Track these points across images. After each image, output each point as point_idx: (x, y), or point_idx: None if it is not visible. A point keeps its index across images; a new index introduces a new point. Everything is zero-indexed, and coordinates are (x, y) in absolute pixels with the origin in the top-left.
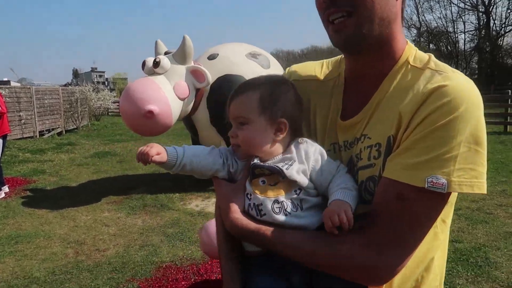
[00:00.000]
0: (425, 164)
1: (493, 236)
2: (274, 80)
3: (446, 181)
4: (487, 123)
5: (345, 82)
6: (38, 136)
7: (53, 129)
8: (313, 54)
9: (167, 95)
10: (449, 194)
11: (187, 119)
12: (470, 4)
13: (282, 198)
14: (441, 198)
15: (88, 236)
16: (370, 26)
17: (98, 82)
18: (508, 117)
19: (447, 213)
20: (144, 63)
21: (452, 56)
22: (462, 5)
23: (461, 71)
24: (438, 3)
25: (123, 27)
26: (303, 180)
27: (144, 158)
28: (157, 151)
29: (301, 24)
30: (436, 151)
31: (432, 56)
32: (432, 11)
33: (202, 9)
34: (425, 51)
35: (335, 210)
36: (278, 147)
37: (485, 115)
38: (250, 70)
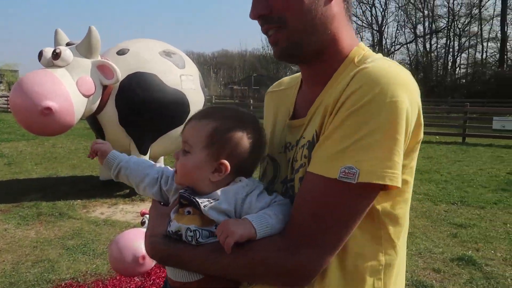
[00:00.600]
0: (340, 153)
1: None
2: (240, 118)
3: (358, 171)
4: None
5: (300, 86)
6: None
7: None
8: (224, 57)
9: (68, 90)
10: (370, 186)
11: (92, 118)
12: (366, 23)
13: (194, 227)
14: (358, 190)
15: None
16: (303, 35)
17: None
18: None
19: (394, 216)
20: (41, 54)
21: None
22: (359, 22)
23: None
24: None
25: (15, 9)
26: (221, 220)
27: (92, 147)
28: (107, 147)
29: (213, 27)
30: (351, 138)
31: (367, 49)
32: None
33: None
34: None
35: (224, 227)
36: (212, 185)
37: None
38: (163, 69)
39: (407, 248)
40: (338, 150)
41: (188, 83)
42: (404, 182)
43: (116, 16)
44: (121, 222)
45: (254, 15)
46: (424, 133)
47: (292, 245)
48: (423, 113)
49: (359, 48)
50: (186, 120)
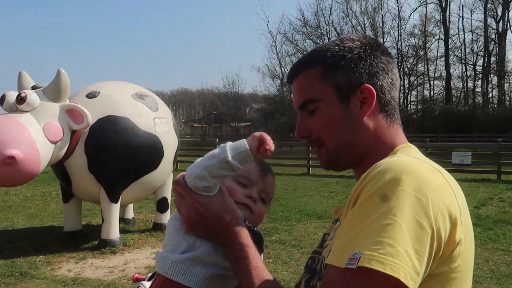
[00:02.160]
0: (349, 242)
1: None
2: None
3: (360, 255)
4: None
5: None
6: None
7: None
8: (183, 95)
9: (34, 137)
10: (373, 273)
11: (58, 165)
12: None
13: None
14: (360, 277)
15: None
16: (340, 153)
17: None
18: None
19: None
20: (3, 98)
21: None
22: None
23: None
24: (297, 58)
25: None
26: None
27: None
28: None
29: (171, 65)
30: (361, 225)
31: (413, 148)
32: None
33: (57, 35)
34: (289, 100)
35: None
36: None
37: None
38: (136, 112)
39: None
40: (348, 239)
41: (162, 126)
42: None
43: (74, 53)
44: (92, 280)
45: (298, 137)
46: None
47: None
48: None
49: (405, 146)
50: (265, 172)
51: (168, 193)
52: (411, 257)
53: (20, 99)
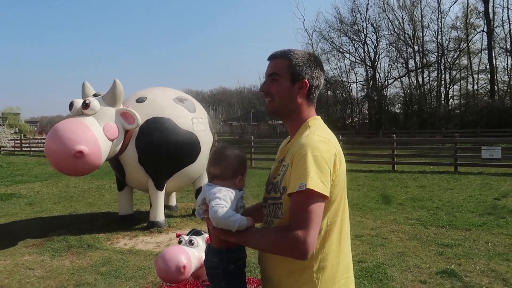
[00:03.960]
0: (296, 180)
1: (389, 256)
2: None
3: (304, 183)
4: (378, 163)
5: None
6: None
7: None
8: (222, 95)
9: (96, 135)
10: (315, 192)
11: (114, 159)
12: (359, 59)
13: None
14: (308, 194)
15: (12, 280)
16: (281, 108)
17: None
18: (395, 157)
19: (331, 218)
20: (71, 104)
21: (347, 102)
22: (353, 59)
23: (354, 116)
24: (334, 56)
25: (17, 58)
26: None
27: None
28: None
29: (210, 65)
30: (299, 172)
31: (315, 120)
32: (329, 62)
33: (100, 40)
34: (325, 97)
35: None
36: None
37: (376, 156)
38: (177, 114)
39: (399, 265)
40: (294, 178)
41: (198, 125)
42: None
43: (112, 57)
44: (144, 251)
45: (262, 90)
46: (419, 163)
47: (287, 230)
48: (417, 143)
49: (313, 119)
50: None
51: (205, 183)
52: (325, 183)
53: (85, 105)
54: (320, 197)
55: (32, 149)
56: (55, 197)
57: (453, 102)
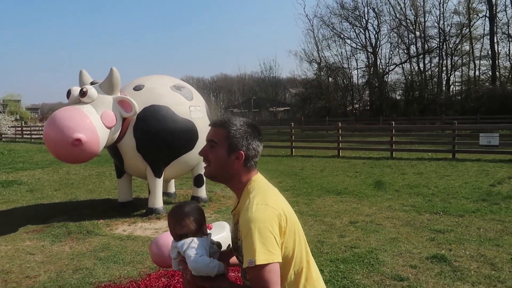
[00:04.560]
0: (246, 255)
1: (381, 242)
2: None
3: (253, 260)
4: (376, 149)
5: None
6: None
7: None
8: (223, 81)
9: (94, 123)
10: (263, 266)
11: (112, 147)
12: (360, 45)
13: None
14: (258, 268)
15: (13, 265)
16: (216, 173)
17: None
18: (393, 144)
19: (298, 264)
20: (69, 92)
21: (347, 89)
22: (354, 45)
23: (355, 103)
24: (335, 42)
25: (17, 44)
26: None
27: None
28: None
29: (210, 52)
30: (248, 247)
31: (254, 182)
32: (330, 49)
33: (99, 25)
34: (326, 84)
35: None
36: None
37: (375, 142)
38: (175, 101)
39: (391, 251)
40: (245, 254)
41: (196, 113)
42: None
43: (116, 43)
44: (142, 237)
45: (200, 154)
46: (417, 150)
47: None
48: (417, 130)
49: (251, 181)
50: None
51: (203, 170)
52: (274, 250)
53: (82, 93)
54: (269, 267)
55: (33, 136)
56: (55, 184)
57: (454, 89)
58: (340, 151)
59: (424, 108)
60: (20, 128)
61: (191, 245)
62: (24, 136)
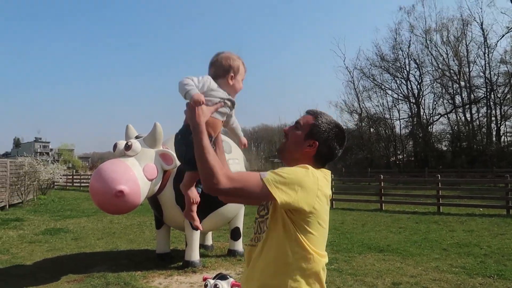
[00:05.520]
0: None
1: None
2: None
3: (267, 175)
4: (422, 204)
5: None
6: None
7: None
8: (264, 131)
9: (137, 176)
10: (264, 183)
11: (153, 198)
12: (402, 95)
13: None
14: (259, 179)
15: None
16: (289, 149)
17: (41, 153)
18: (440, 198)
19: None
20: (115, 146)
21: (390, 139)
22: (395, 95)
23: (398, 154)
24: (375, 93)
25: (72, 96)
26: None
27: None
28: None
29: (252, 102)
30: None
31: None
32: (370, 100)
33: (144, 80)
34: (367, 135)
35: None
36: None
37: (420, 196)
38: None
39: None
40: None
41: (234, 166)
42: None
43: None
44: None
45: (284, 130)
46: (467, 205)
47: (221, 167)
48: (467, 183)
49: (303, 165)
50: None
51: (240, 223)
52: (282, 185)
53: (127, 147)
54: (265, 185)
55: (82, 184)
56: (99, 232)
57: (505, 139)
58: (383, 204)
59: (473, 160)
60: (71, 176)
61: (199, 78)
62: (74, 184)
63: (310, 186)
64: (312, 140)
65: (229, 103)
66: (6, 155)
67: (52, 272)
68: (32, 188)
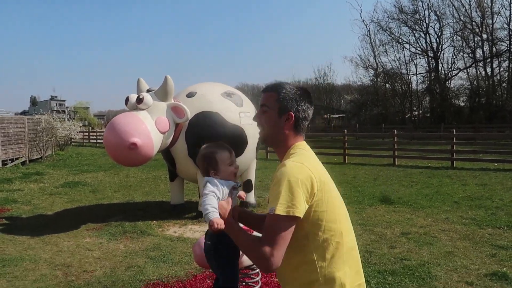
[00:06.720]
0: (270, 202)
1: (435, 255)
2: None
3: (274, 208)
4: (436, 159)
5: None
6: (1, 166)
7: (16, 159)
8: None
9: (149, 128)
10: (282, 217)
11: (166, 151)
12: (420, 49)
13: None
14: (276, 217)
15: (73, 259)
16: (268, 136)
17: (57, 111)
18: (454, 154)
19: (328, 232)
20: (127, 99)
21: (406, 95)
22: (413, 49)
23: (414, 110)
24: (392, 47)
25: (87, 55)
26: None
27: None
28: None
29: (264, 59)
30: (273, 195)
31: (297, 147)
32: (387, 54)
33: (165, 37)
34: (383, 90)
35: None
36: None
37: (434, 151)
38: (225, 108)
39: (445, 265)
40: (270, 201)
41: (246, 119)
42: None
43: (174, 52)
44: (191, 238)
45: (254, 120)
46: (482, 159)
47: (259, 242)
48: (483, 138)
49: (295, 146)
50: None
51: (252, 176)
52: (292, 204)
53: (139, 100)
54: (287, 219)
55: (98, 141)
56: (115, 185)
57: None
58: (396, 159)
59: (492, 115)
60: (87, 134)
61: (207, 185)
62: (91, 140)
63: (305, 189)
64: (287, 113)
65: (237, 188)
66: (24, 113)
67: (72, 221)
68: (50, 144)
